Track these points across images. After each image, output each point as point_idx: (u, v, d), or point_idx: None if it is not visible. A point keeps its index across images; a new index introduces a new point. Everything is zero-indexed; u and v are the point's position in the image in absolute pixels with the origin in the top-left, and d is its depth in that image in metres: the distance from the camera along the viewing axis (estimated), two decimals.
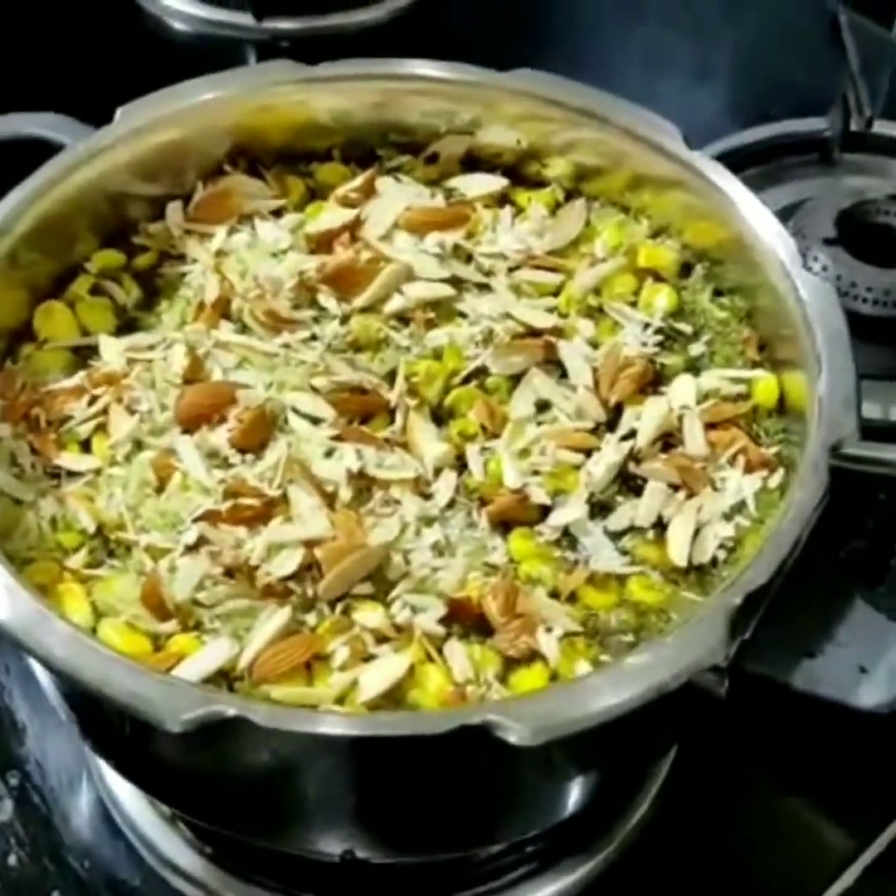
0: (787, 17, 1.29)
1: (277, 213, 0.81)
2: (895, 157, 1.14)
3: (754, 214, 0.75)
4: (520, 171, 0.83)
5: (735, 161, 1.13)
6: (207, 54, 1.23)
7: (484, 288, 0.77)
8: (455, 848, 0.69)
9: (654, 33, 1.27)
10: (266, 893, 0.77)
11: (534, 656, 0.63)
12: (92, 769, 0.81)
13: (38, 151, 0.78)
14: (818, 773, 0.81)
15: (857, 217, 1.02)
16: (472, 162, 0.84)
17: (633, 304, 0.77)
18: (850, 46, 1.16)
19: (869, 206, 1.03)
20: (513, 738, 0.54)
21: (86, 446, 0.70)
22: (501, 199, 0.83)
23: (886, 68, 1.20)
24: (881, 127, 1.14)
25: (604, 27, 1.29)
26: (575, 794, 0.67)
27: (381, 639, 0.63)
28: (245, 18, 1.21)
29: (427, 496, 0.68)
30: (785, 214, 1.06)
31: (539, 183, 0.83)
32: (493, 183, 0.82)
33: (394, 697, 0.61)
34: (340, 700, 0.61)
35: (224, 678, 0.62)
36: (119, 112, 0.78)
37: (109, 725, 0.61)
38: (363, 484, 0.68)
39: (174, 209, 0.80)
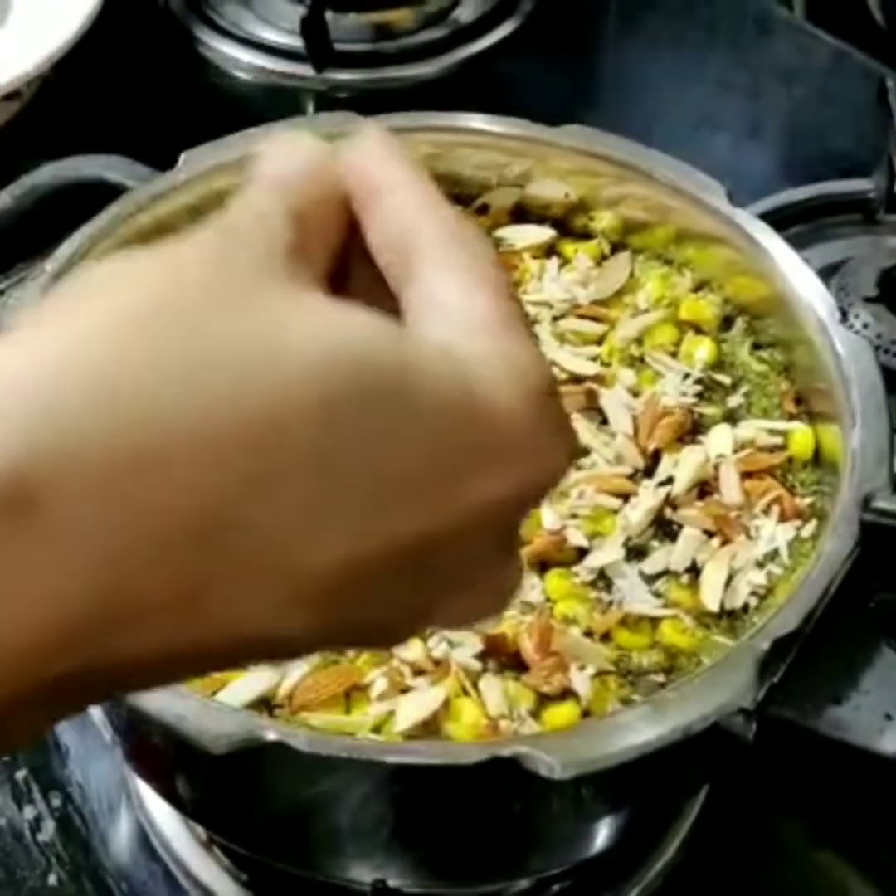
0: (837, 81, 1.32)
1: None
2: None
3: (794, 271, 0.76)
4: (567, 224, 0.86)
5: (780, 219, 1.15)
6: (268, 104, 1.27)
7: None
8: (484, 879, 0.70)
9: (707, 93, 1.30)
10: None
11: (566, 693, 0.65)
12: (132, 793, 0.83)
13: (101, 194, 0.81)
14: (847, 822, 0.81)
15: None
16: (522, 213, 0.86)
17: (674, 355, 0.79)
18: None
19: None
20: (543, 771, 0.56)
21: None
22: (548, 250, 0.85)
23: None
24: None
25: (658, 84, 1.32)
26: (602, 831, 0.68)
27: (419, 671, 0.65)
28: (305, 70, 1.24)
29: None
30: (828, 272, 1.07)
31: (586, 235, 0.85)
32: (541, 234, 0.85)
33: (429, 729, 0.63)
34: (377, 729, 0.63)
35: (265, 705, 0.64)
36: (182, 157, 0.81)
37: (153, 748, 0.63)
38: None
39: None
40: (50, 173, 0.84)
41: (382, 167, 0.43)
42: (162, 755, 0.63)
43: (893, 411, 0.94)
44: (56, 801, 0.84)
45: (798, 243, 1.14)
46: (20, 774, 0.85)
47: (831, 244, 1.15)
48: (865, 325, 1.00)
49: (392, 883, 0.68)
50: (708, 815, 0.81)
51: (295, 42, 1.25)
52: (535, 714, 0.64)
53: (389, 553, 0.36)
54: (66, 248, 0.77)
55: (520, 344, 0.39)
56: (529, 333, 0.40)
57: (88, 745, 0.85)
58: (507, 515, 0.40)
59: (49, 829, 0.83)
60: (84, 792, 0.84)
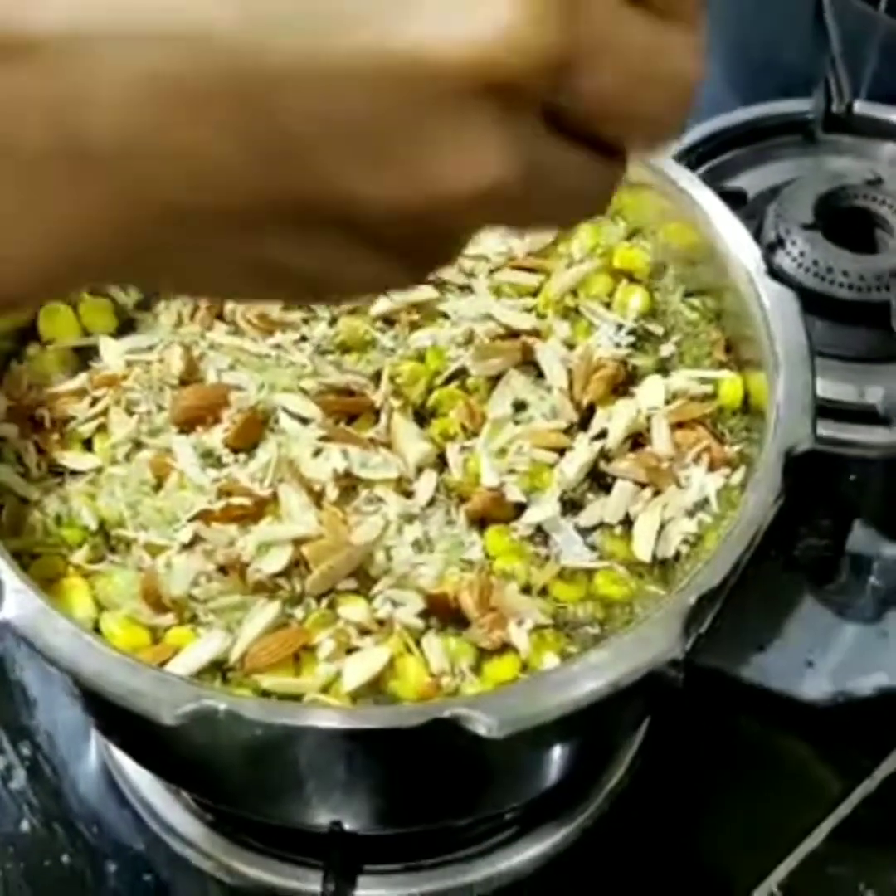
0: None
1: None
2: (877, 139, 1.17)
3: (722, 221, 0.78)
4: None
5: (721, 142, 1.17)
6: None
7: (466, 289, 0.81)
8: (436, 821, 0.74)
9: None
10: (263, 858, 0.82)
11: (506, 648, 0.68)
12: (98, 741, 0.87)
13: None
14: (785, 742, 0.86)
15: (835, 202, 1.05)
16: None
17: (608, 305, 0.81)
18: (833, 27, 1.18)
19: (847, 190, 1.06)
20: (481, 730, 0.59)
21: (88, 445, 0.75)
22: None
23: (870, 48, 1.22)
24: (863, 108, 1.16)
25: None
26: (547, 772, 0.72)
27: (364, 631, 0.68)
28: None
29: (409, 494, 0.72)
30: (767, 197, 1.09)
31: None
32: None
33: (375, 687, 0.66)
34: (326, 689, 0.66)
35: (218, 668, 0.67)
36: None
37: (113, 716, 0.66)
38: (349, 483, 0.72)
39: None
40: None
41: None
42: (122, 723, 0.66)
43: (827, 334, 0.97)
44: (25, 751, 0.87)
45: (737, 166, 1.17)
46: None
47: (772, 166, 1.16)
48: (802, 253, 1.02)
49: (348, 826, 0.72)
50: (650, 743, 0.85)
51: None
52: (476, 669, 0.67)
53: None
54: None
55: None
56: None
57: (55, 694, 0.88)
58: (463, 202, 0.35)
59: (20, 777, 0.86)
60: (52, 740, 0.88)
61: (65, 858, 0.83)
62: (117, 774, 0.85)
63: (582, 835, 0.83)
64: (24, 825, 0.84)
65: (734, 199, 1.07)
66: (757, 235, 1.03)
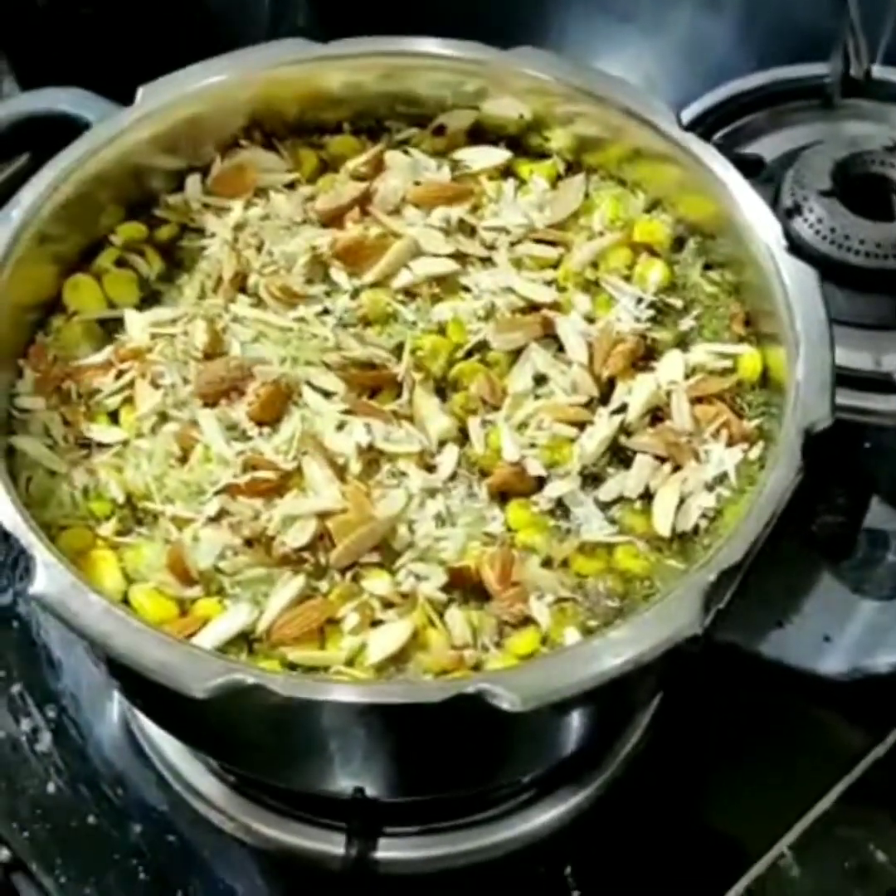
0: None
1: (291, 186, 0.85)
2: (895, 103, 1.16)
3: (742, 194, 0.78)
4: (523, 143, 0.87)
5: (736, 107, 1.16)
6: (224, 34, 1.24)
7: (487, 261, 0.81)
8: (456, 789, 0.76)
9: None
10: (285, 821, 0.84)
11: (527, 621, 0.69)
12: (122, 703, 0.88)
13: (63, 125, 0.82)
14: (798, 713, 0.87)
15: (853, 168, 1.05)
16: (478, 134, 0.87)
17: (628, 278, 0.81)
18: None
19: (864, 156, 1.06)
20: (504, 705, 0.60)
21: (114, 418, 0.75)
22: (505, 171, 0.86)
23: (889, 11, 1.21)
24: (881, 73, 1.16)
25: None
26: (566, 742, 0.73)
27: (388, 604, 0.69)
28: None
29: (431, 468, 0.73)
30: (784, 163, 1.09)
31: (541, 154, 0.87)
32: (497, 156, 0.86)
33: (399, 659, 0.67)
34: (350, 662, 0.67)
35: (244, 640, 0.68)
36: (141, 91, 0.81)
37: (141, 688, 0.67)
38: (372, 457, 0.73)
39: (193, 182, 0.84)
40: (10, 108, 0.85)
41: None
42: (151, 694, 0.67)
43: (844, 301, 0.97)
44: (51, 713, 0.89)
45: (755, 130, 1.17)
46: (15, 689, 0.89)
47: (788, 132, 1.16)
48: (820, 220, 1.02)
49: (370, 793, 0.73)
50: (664, 711, 0.86)
51: None
52: (498, 642, 0.68)
53: None
54: (34, 187, 0.78)
55: None
56: None
57: (80, 657, 0.90)
58: None
59: (46, 740, 0.88)
60: (78, 703, 0.89)
61: (91, 819, 0.84)
62: (141, 736, 0.87)
63: (597, 800, 0.85)
64: (51, 787, 0.86)
65: (751, 166, 1.07)
66: (774, 202, 1.03)
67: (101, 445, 0.74)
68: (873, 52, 1.16)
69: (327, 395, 0.75)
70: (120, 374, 0.76)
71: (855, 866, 0.85)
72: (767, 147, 1.14)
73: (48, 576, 0.64)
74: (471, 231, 0.83)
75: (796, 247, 0.77)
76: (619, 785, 0.85)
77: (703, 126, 1.11)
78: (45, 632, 0.92)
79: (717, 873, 0.84)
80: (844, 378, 0.87)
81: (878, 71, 1.16)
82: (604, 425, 0.74)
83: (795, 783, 0.86)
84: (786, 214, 1.03)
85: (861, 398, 0.97)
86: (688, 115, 1.11)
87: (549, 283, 0.81)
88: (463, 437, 0.75)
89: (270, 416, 0.74)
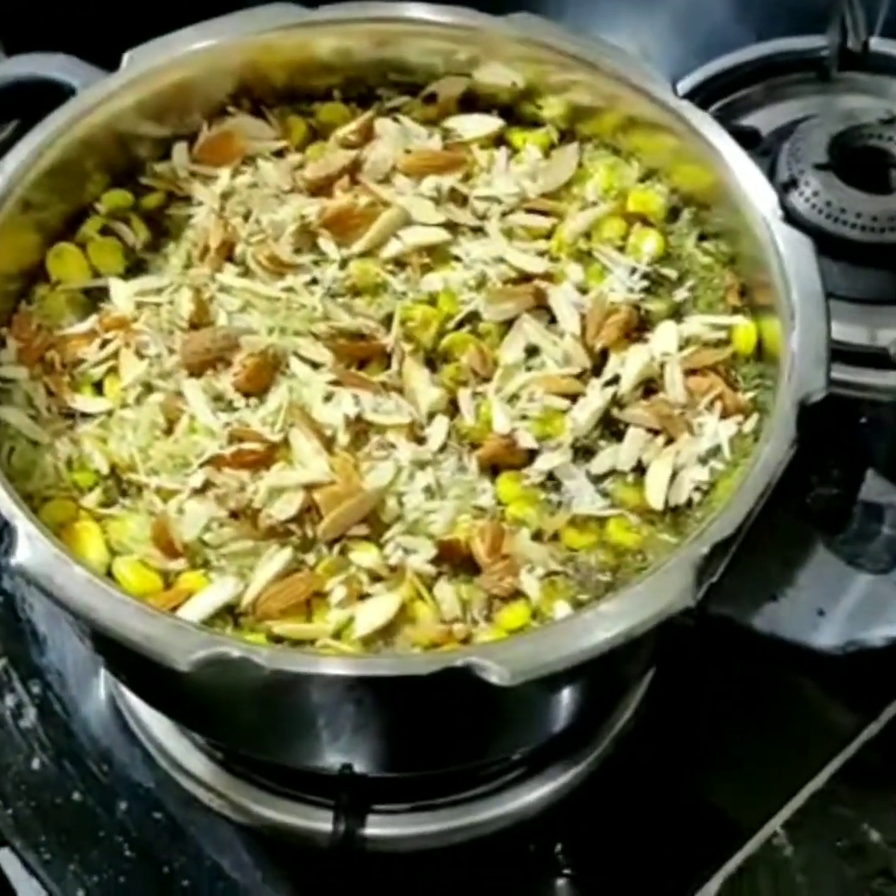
0: None
1: (280, 154, 0.84)
2: (892, 76, 1.15)
3: (738, 163, 0.77)
4: (516, 112, 0.86)
5: (733, 79, 1.15)
6: None
7: (478, 231, 0.80)
8: (446, 765, 0.75)
9: None
10: (272, 797, 0.83)
11: (517, 595, 0.68)
12: (108, 679, 0.87)
13: (48, 91, 0.81)
14: (791, 688, 0.86)
15: (850, 142, 1.04)
16: (470, 102, 0.86)
17: (622, 249, 0.80)
18: None
19: (861, 130, 1.05)
20: (494, 679, 0.59)
21: (99, 388, 0.74)
22: (497, 140, 0.85)
23: None
24: (879, 45, 1.15)
25: None
26: (557, 717, 0.72)
27: (376, 578, 0.68)
28: None
29: (421, 440, 0.72)
30: (781, 135, 1.08)
31: (535, 123, 0.86)
32: (490, 124, 0.85)
33: (387, 633, 0.66)
34: (337, 635, 0.66)
35: (230, 614, 0.67)
36: (127, 57, 0.80)
37: (125, 661, 0.66)
38: (360, 428, 0.72)
39: (180, 150, 0.83)
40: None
41: None
42: (136, 668, 0.66)
43: (839, 275, 0.96)
44: (36, 688, 0.88)
45: (751, 103, 1.16)
46: None
47: (785, 104, 1.15)
48: (816, 193, 1.01)
49: (358, 769, 0.72)
50: (656, 687, 0.85)
51: None
52: (488, 616, 0.67)
53: None
54: (17, 154, 0.77)
55: None
56: None
57: (65, 632, 0.89)
58: None
59: (30, 715, 0.87)
60: (63, 678, 0.88)
61: (76, 796, 0.84)
62: (127, 712, 0.86)
63: (588, 776, 0.84)
64: (35, 763, 0.85)
65: (747, 138, 1.06)
66: (770, 175, 1.02)
67: (85, 416, 0.73)
68: (871, 24, 1.15)
69: (315, 365, 0.74)
70: (104, 344, 0.75)
71: (848, 845, 0.85)
72: (763, 120, 1.12)
73: (31, 547, 0.63)
74: (462, 200, 0.81)
75: (792, 220, 0.76)
76: (610, 762, 0.84)
77: (698, 98, 1.09)
78: (30, 606, 0.91)
79: (708, 852, 0.83)
80: (840, 353, 0.86)
81: (875, 43, 1.14)
82: (596, 397, 0.73)
83: (788, 761, 0.85)
84: (782, 188, 1.01)
85: (856, 373, 0.96)
86: (683, 87, 1.09)
87: (541, 254, 0.79)
88: (453, 408, 0.74)
89: (257, 386, 0.73)
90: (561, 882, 0.81)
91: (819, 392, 0.67)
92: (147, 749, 0.85)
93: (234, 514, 0.68)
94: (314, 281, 0.77)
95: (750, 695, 0.86)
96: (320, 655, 0.63)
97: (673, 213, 0.82)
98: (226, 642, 0.60)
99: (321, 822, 0.81)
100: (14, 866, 0.83)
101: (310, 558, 0.68)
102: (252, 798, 0.83)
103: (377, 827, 0.82)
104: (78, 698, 0.88)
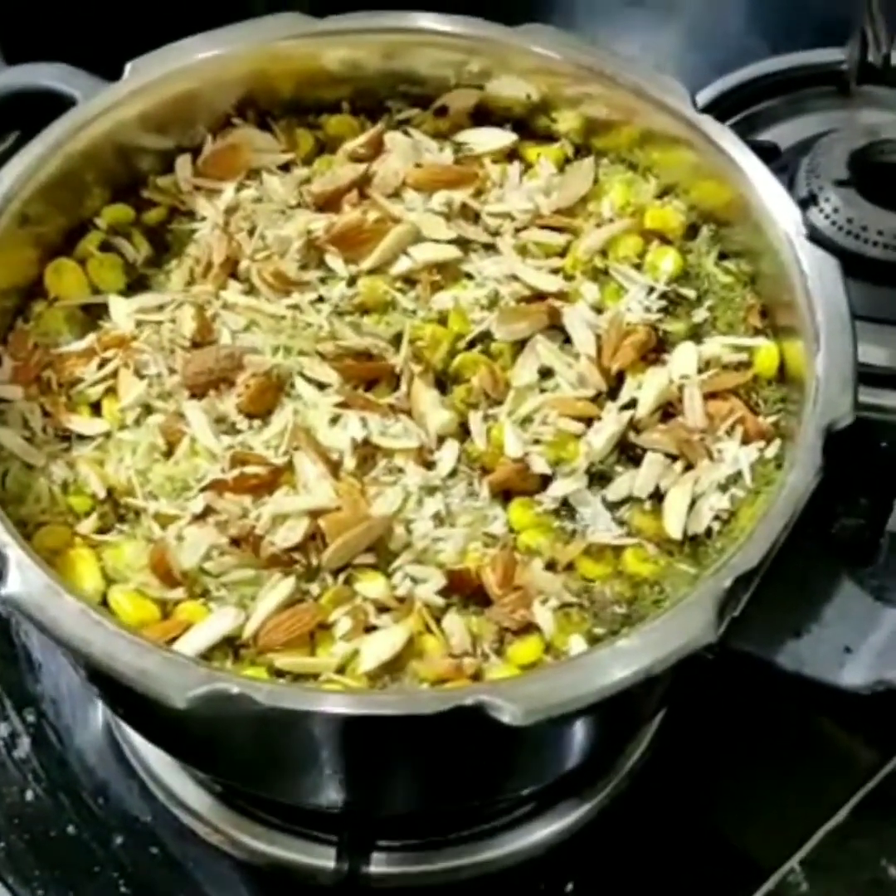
0: None
1: (286, 168, 0.81)
2: None
3: (760, 180, 0.75)
4: (530, 125, 0.83)
5: (751, 92, 1.13)
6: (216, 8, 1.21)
7: (490, 248, 0.78)
8: (453, 804, 0.72)
9: None
10: (273, 832, 0.80)
11: (529, 628, 0.65)
12: (104, 710, 0.84)
13: (48, 102, 0.78)
14: (809, 723, 0.83)
15: (870, 157, 1.02)
16: (482, 115, 0.83)
17: (639, 267, 0.77)
18: None
19: (882, 146, 1.02)
20: (505, 719, 0.56)
21: (96, 409, 0.72)
22: (510, 154, 0.83)
23: None
24: None
25: None
26: (569, 756, 0.69)
27: (383, 609, 0.65)
28: None
29: (430, 465, 0.69)
30: (800, 150, 1.05)
31: (549, 137, 0.83)
32: (502, 138, 0.82)
33: (393, 667, 0.64)
34: (342, 669, 0.63)
35: (230, 646, 0.64)
36: (129, 67, 0.78)
37: (121, 696, 0.64)
38: (367, 452, 0.69)
39: (183, 163, 0.81)
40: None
41: None
42: (131, 704, 0.64)
43: (859, 294, 0.94)
44: (30, 717, 0.85)
45: (770, 117, 1.13)
46: None
47: (804, 119, 1.13)
48: (836, 210, 0.98)
49: (362, 807, 0.70)
50: (670, 722, 0.82)
51: None
52: (499, 650, 0.64)
53: None
54: (15, 166, 0.74)
55: None
56: None
57: (61, 660, 0.86)
58: None
59: (24, 745, 0.84)
60: (57, 707, 0.86)
61: (70, 829, 0.81)
62: (124, 743, 0.83)
63: (600, 814, 0.82)
64: (29, 795, 0.82)
65: (765, 153, 1.03)
66: (788, 192, 0.99)
67: (81, 438, 0.71)
68: (892, 37, 1.12)
69: (321, 386, 0.71)
70: (103, 363, 0.72)
71: (867, 881, 0.82)
72: (781, 134, 1.10)
73: (22, 576, 0.60)
74: (474, 216, 0.79)
75: (812, 238, 0.73)
76: (623, 798, 0.82)
77: (714, 112, 1.07)
78: (25, 633, 0.88)
79: (725, 890, 0.80)
80: (860, 374, 0.84)
81: None
82: (612, 421, 0.71)
83: (807, 797, 0.83)
84: (801, 204, 0.98)
85: (877, 395, 0.93)
86: (700, 100, 1.07)
87: (555, 272, 0.77)
88: (463, 432, 0.71)
89: (261, 408, 0.70)
90: None
91: (846, 418, 0.65)
92: (144, 781, 0.83)
93: (235, 542, 0.66)
94: (321, 299, 0.75)
95: (767, 728, 0.83)
96: (323, 692, 0.60)
97: (692, 231, 0.79)
98: (224, 678, 0.58)
99: (324, 859, 0.79)
100: None
101: (314, 588, 0.65)
102: (252, 833, 0.80)
103: (382, 864, 0.79)
104: (73, 728, 0.85)
